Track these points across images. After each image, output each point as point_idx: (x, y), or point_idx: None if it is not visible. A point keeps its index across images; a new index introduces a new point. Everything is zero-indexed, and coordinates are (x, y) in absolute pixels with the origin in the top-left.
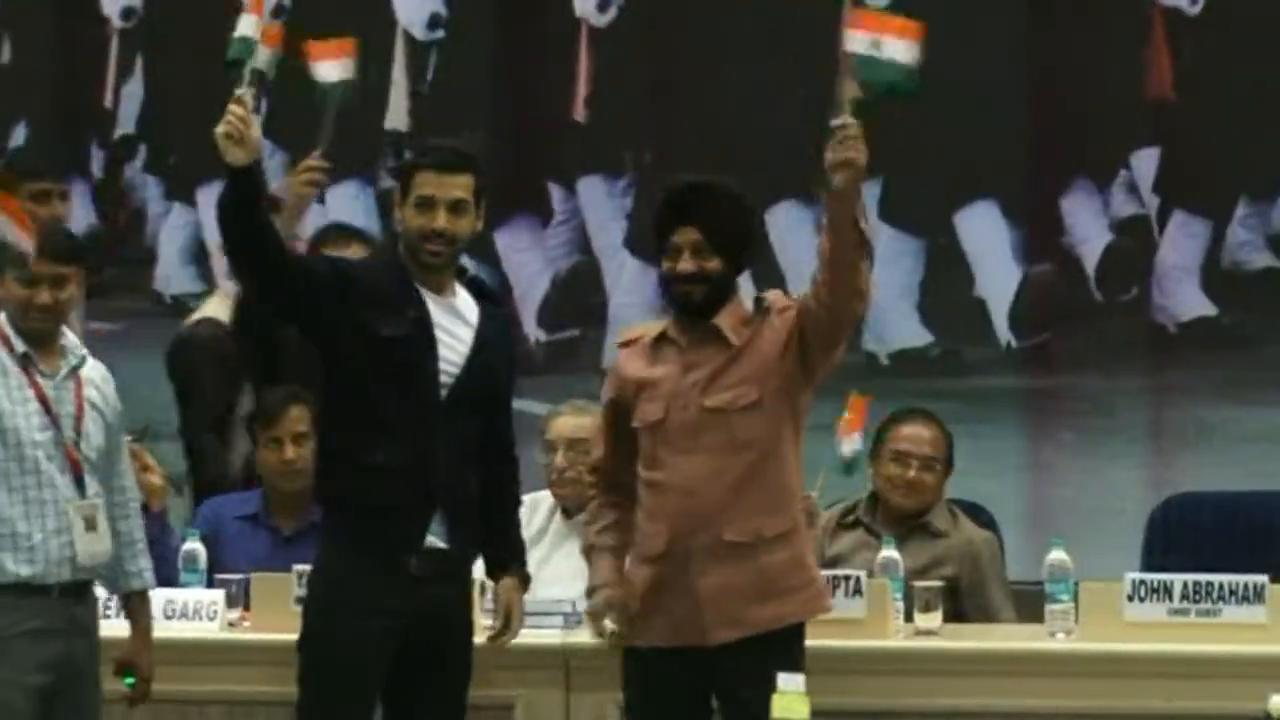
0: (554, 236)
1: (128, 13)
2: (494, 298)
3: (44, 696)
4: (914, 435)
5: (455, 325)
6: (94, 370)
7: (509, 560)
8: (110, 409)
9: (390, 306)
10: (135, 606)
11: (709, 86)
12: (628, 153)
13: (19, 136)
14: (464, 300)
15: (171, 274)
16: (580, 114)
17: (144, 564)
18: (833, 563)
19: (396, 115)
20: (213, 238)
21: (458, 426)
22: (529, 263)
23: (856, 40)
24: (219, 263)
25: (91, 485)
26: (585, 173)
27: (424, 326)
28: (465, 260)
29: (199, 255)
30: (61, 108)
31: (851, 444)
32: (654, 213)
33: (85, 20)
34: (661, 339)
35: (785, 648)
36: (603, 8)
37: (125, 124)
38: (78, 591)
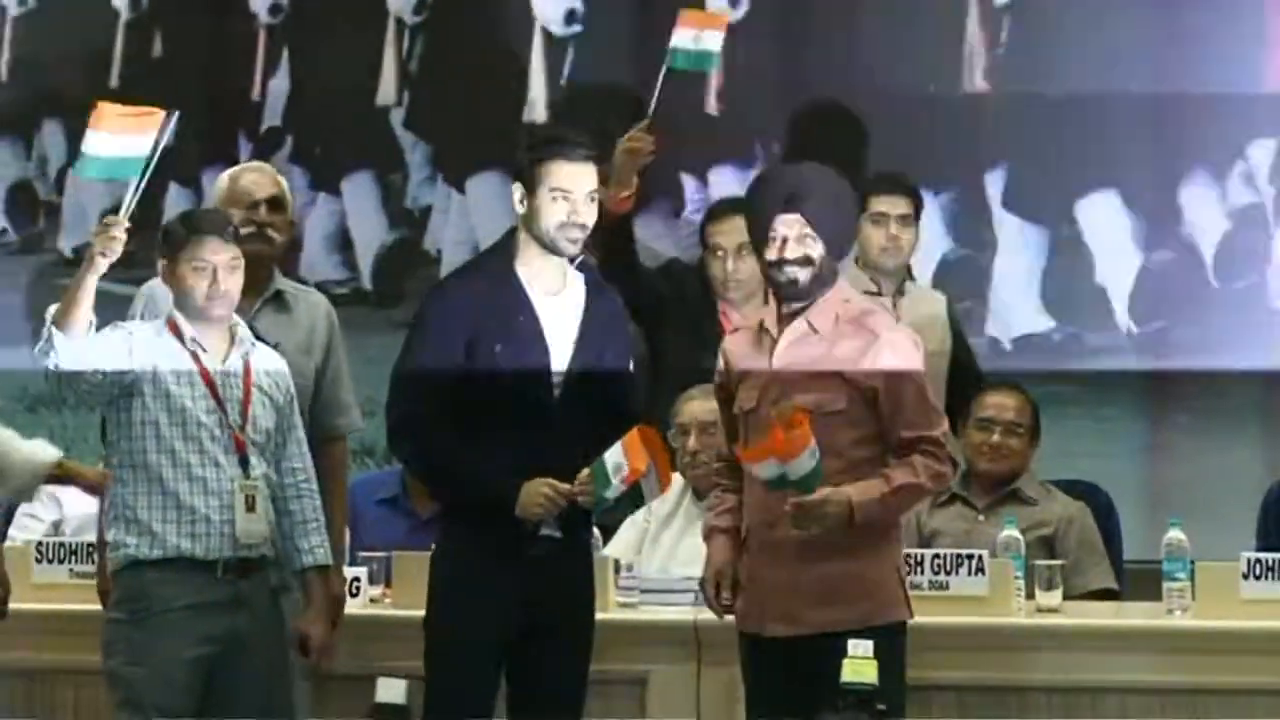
0: (687, 225)
1: (275, 8)
2: (599, 285)
3: (202, 670)
4: (998, 403)
5: (564, 322)
6: (264, 357)
7: None
8: (281, 393)
9: (500, 325)
10: (309, 582)
11: (837, 79)
12: (758, 144)
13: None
14: (573, 293)
15: (316, 261)
16: (712, 106)
17: (315, 541)
18: (931, 538)
19: (536, 109)
20: (356, 227)
21: (573, 422)
22: (665, 252)
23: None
24: (362, 251)
25: (258, 466)
26: (717, 163)
27: (536, 334)
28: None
29: (343, 243)
30: (211, 101)
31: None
32: (753, 199)
33: (234, 16)
34: (761, 328)
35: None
36: (734, 3)
37: (272, 116)
38: (242, 567)
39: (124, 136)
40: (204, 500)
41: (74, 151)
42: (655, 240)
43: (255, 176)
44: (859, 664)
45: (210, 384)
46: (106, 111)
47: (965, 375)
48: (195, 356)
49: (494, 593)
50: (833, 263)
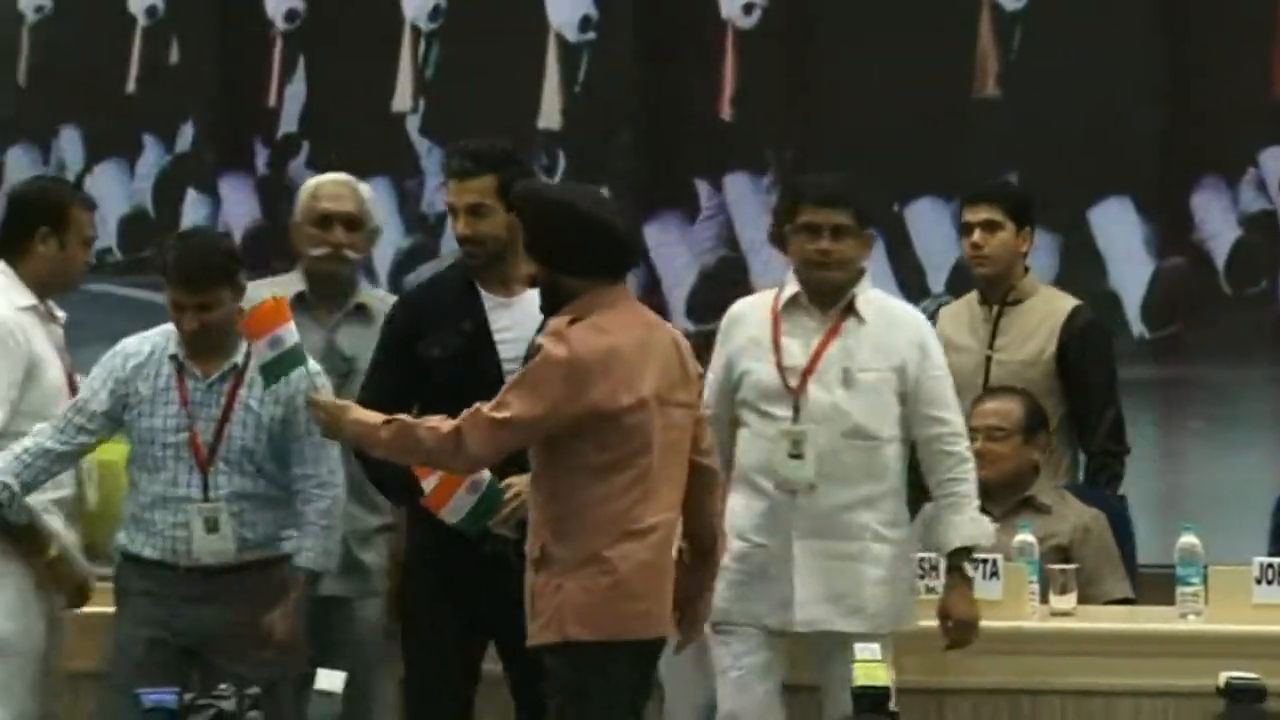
0: (701, 231)
1: (291, 15)
2: None
3: (158, 648)
4: (980, 410)
5: (518, 324)
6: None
7: None
8: (273, 408)
9: (445, 325)
10: (292, 581)
11: (849, 87)
12: (771, 151)
13: (186, 135)
14: (532, 297)
15: None
16: (726, 113)
17: (309, 544)
18: None
19: (549, 115)
20: None
21: None
22: (676, 256)
23: (260, 348)
24: (379, 256)
25: (229, 485)
26: (731, 170)
27: (482, 334)
28: None
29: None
30: (227, 107)
31: None
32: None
33: (250, 22)
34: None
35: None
36: (748, 11)
37: (288, 122)
38: (208, 571)
39: None
40: (160, 514)
41: (91, 157)
42: (669, 246)
43: (332, 191)
44: (869, 667)
45: (185, 403)
46: None
47: None
48: (180, 377)
49: (453, 593)
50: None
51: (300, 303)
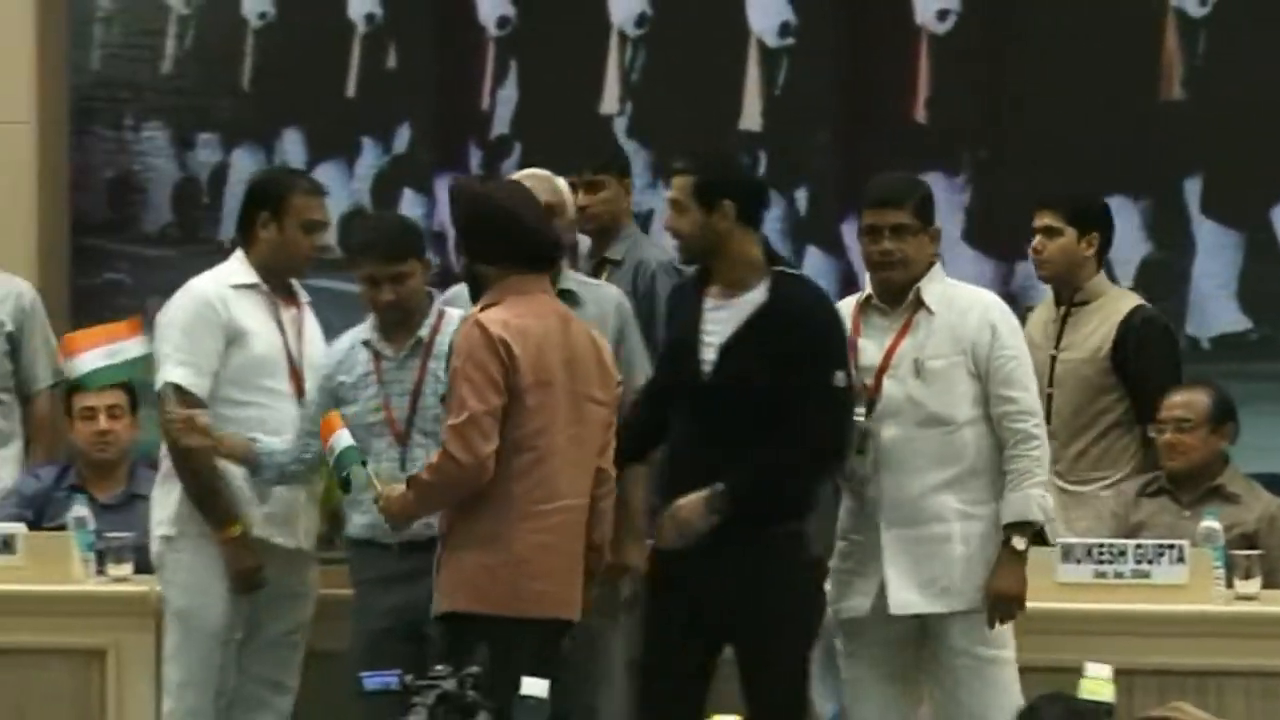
0: None
1: (503, 22)
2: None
3: (387, 631)
4: (1168, 402)
5: (725, 326)
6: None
7: None
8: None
9: (671, 323)
10: None
11: (1038, 90)
12: (965, 152)
13: (403, 137)
14: (749, 301)
15: None
16: (920, 115)
17: None
18: (1137, 529)
19: (750, 117)
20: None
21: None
22: None
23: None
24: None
25: (423, 455)
26: (925, 170)
27: (690, 334)
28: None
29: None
30: (442, 110)
31: None
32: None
33: (464, 29)
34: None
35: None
36: (942, 17)
37: (500, 125)
38: (416, 547)
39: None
40: (368, 492)
41: (312, 158)
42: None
43: (531, 185)
44: (1096, 684)
45: (380, 382)
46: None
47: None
48: (376, 359)
49: (687, 586)
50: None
51: None
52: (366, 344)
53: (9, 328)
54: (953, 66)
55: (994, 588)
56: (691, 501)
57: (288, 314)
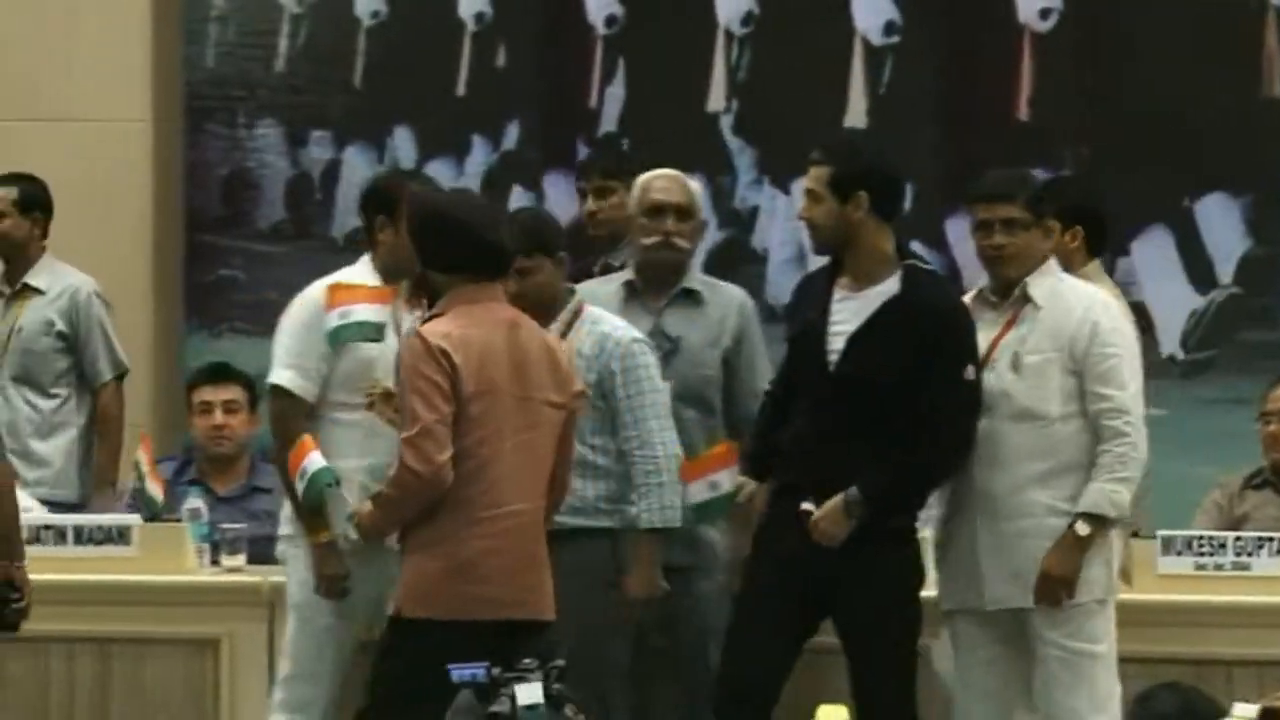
0: None
1: (611, 20)
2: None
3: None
4: (1273, 395)
5: (854, 318)
6: (584, 340)
7: None
8: (589, 374)
9: (800, 313)
10: (636, 542)
11: (1140, 87)
12: (1066, 149)
13: (512, 134)
14: (878, 294)
15: None
16: (1023, 113)
17: (640, 505)
18: (1240, 521)
19: (855, 115)
20: None
21: None
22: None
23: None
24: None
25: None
26: (1028, 167)
27: (819, 324)
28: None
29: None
30: (551, 108)
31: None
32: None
33: (572, 28)
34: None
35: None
36: (1044, 15)
37: (608, 122)
38: (561, 535)
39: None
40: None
41: (423, 155)
42: (967, 241)
43: (664, 184)
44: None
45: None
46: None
47: None
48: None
49: (785, 566)
50: None
51: (630, 291)
52: None
53: (59, 326)
54: (1055, 64)
55: (1044, 567)
56: (829, 511)
57: (410, 316)
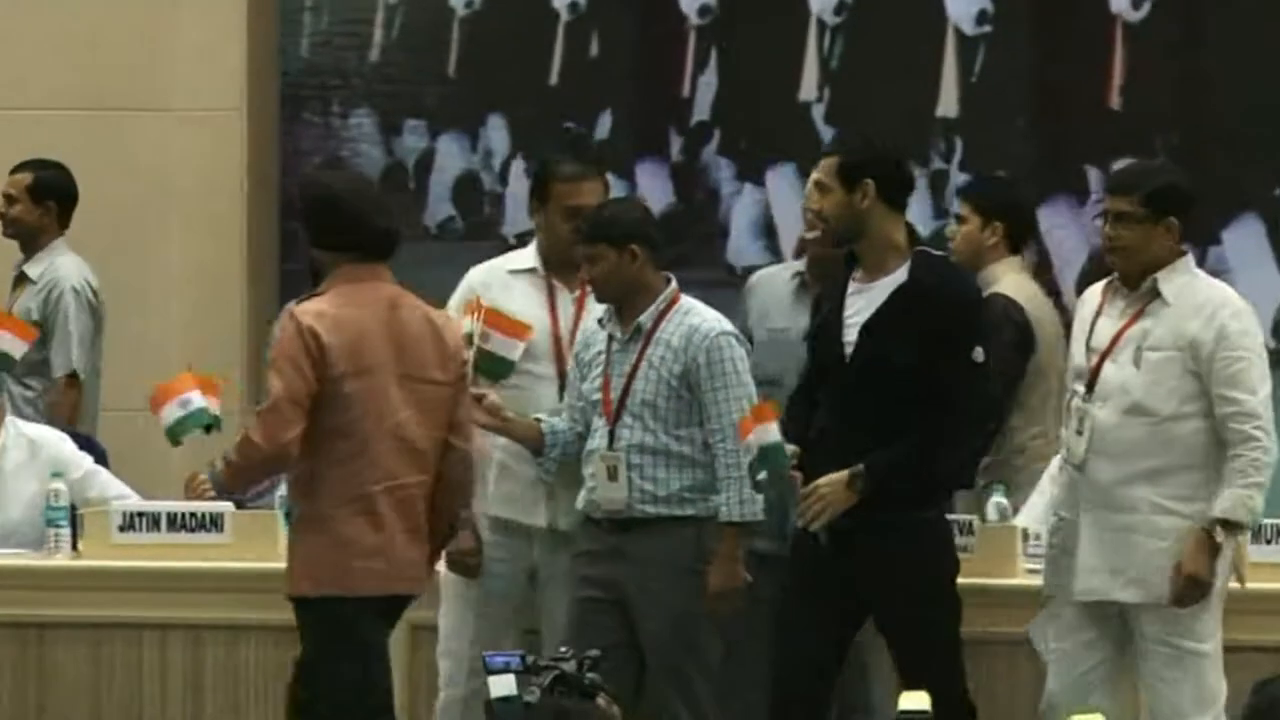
0: (1091, 214)
1: (703, 10)
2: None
3: (590, 604)
4: None
5: (866, 309)
6: (673, 331)
7: None
8: (675, 365)
9: (822, 305)
10: (717, 535)
11: (1230, 76)
12: (1158, 137)
13: (605, 123)
14: (889, 284)
15: (742, 247)
16: (1114, 102)
17: (722, 497)
18: None
19: (947, 104)
20: (779, 216)
21: None
22: (1068, 238)
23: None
24: (785, 238)
25: (629, 435)
26: (1119, 155)
27: (834, 316)
28: None
29: (767, 230)
30: (643, 97)
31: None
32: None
33: (665, 17)
34: None
35: None
36: (1136, 5)
37: (700, 111)
38: (624, 525)
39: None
40: (587, 468)
41: (517, 145)
42: (1062, 229)
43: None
44: None
45: (608, 362)
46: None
47: None
48: (609, 339)
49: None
50: None
51: (801, 283)
52: (601, 323)
53: (35, 316)
54: (1146, 53)
55: (1186, 570)
56: (832, 481)
57: (569, 298)
